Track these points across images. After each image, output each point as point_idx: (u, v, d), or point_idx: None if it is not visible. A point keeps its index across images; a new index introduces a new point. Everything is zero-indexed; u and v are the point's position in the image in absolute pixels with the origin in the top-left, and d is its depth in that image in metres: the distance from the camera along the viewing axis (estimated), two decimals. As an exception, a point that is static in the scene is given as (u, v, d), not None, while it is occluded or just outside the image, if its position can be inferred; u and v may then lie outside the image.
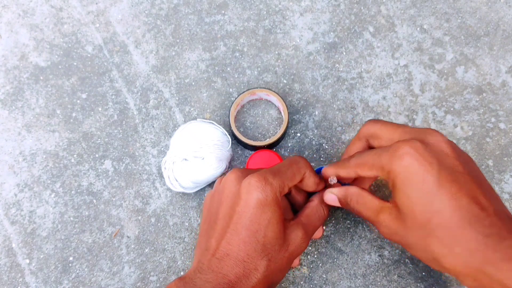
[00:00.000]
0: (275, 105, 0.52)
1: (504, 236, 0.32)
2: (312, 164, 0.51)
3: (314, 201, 0.44)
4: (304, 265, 0.48)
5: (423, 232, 0.35)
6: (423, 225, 0.34)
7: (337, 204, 0.42)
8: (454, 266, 0.34)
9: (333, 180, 0.43)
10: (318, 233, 0.46)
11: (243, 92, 0.50)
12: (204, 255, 0.39)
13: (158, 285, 0.48)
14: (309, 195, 0.45)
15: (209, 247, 0.39)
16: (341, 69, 0.53)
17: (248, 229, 0.38)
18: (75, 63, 0.53)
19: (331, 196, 0.43)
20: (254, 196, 0.38)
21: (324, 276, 0.48)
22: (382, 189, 0.50)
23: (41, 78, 0.53)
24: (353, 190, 0.41)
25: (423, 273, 0.48)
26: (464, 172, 0.35)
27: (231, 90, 0.53)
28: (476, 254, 0.32)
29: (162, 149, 0.51)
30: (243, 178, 0.40)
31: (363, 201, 0.40)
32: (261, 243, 0.38)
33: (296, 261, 0.45)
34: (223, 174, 0.50)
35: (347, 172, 0.41)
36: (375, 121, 0.42)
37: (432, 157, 0.35)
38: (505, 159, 0.51)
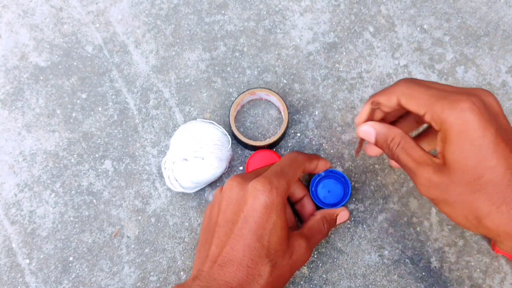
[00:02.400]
0: (275, 105, 0.52)
1: None
2: (312, 164, 0.51)
3: (317, 216, 0.44)
4: (304, 265, 0.48)
5: (471, 188, 0.33)
6: (472, 180, 0.33)
7: (371, 140, 0.39)
8: (497, 225, 0.33)
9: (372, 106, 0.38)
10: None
11: (243, 92, 0.50)
12: (204, 263, 0.39)
13: (158, 285, 0.48)
14: (317, 208, 0.47)
15: (210, 254, 0.39)
16: (341, 69, 0.53)
17: (254, 233, 0.37)
18: (75, 63, 0.53)
19: (369, 129, 0.39)
20: (261, 201, 0.38)
21: (324, 276, 0.48)
22: (383, 189, 0.50)
23: (41, 78, 0.53)
24: (397, 131, 0.37)
25: (423, 273, 0.48)
26: None
27: (231, 90, 0.53)
28: None
29: (162, 149, 0.51)
30: (245, 183, 0.40)
31: (408, 147, 0.37)
32: (265, 248, 0.38)
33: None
34: (223, 174, 0.50)
35: (388, 99, 0.37)
36: (411, 81, 0.37)
37: (491, 116, 0.34)
38: (505, 159, 0.51)
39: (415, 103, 0.36)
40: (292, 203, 0.48)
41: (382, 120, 0.41)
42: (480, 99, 0.34)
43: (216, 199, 0.42)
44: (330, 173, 0.47)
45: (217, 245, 0.39)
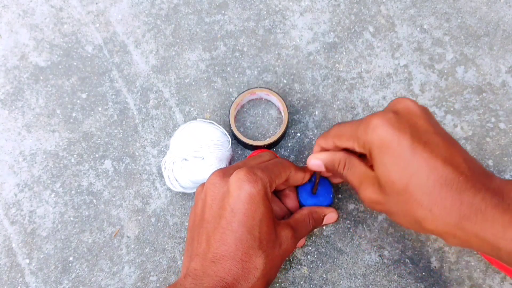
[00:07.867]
0: (275, 105, 0.52)
1: (478, 189, 0.32)
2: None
3: (305, 211, 0.44)
4: (304, 265, 0.48)
5: (402, 198, 0.34)
6: (401, 191, 0.34)
7: (322, 169, 0.42)
8: (435, 226, 0.34)
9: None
10: (300, 242, 0.46)
11: (243, 92, 0.50)
12: (194, 261, 0.38)
13: (158, 285, 0.48)
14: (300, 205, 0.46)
15: (201, 252, 0.38)
16: (341, 69, 0.53)
17: (244, 225, 0.37)
18: (75, 63, 0.53)
19: (316, 162, 0.42)
20: (246, 191, 0.37)
21: (324, 276, 0.48)
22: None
23: (41, 78, 0.53)
24: (340, 154, 0.40)
25: (423, 273, 0.48)
26: (435, 132, 0.35)
27: (231, 90, 0.53)
28: (453, 212, 0.33)
29: (162, 149, 0.51)
30: (227, 176, 0.39)
31: (351, 165, 0.39)
32: (257, 239, 0.37)
33: (302, 241, 0.45)
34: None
35: (326, 142, 0.41)
36: (339, 123, 0.42)
37: (403, 124, 0.35)
38: (505, 159, 0.51)
39: (344, 140, 0.39)
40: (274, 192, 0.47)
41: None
42: (392, 110, 0.36)
43: (199, 197, 0.41)
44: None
45: (207, 241, 0.38)
